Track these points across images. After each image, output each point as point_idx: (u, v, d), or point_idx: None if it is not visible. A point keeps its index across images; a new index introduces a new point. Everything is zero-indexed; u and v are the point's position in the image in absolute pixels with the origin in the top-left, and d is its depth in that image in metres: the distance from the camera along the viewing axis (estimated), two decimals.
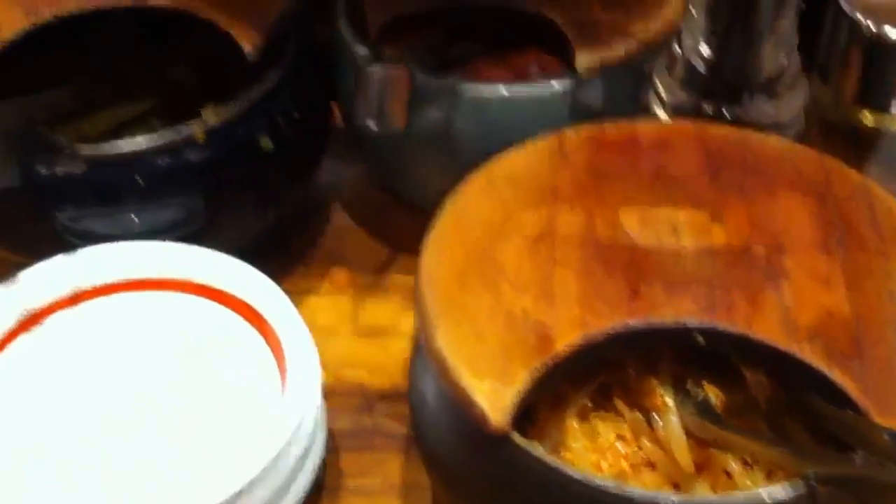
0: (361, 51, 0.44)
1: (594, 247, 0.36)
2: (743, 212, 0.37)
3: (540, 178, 0.38)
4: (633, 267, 0.36)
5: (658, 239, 0.36)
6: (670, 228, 0.37)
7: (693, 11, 0.46)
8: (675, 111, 0.47)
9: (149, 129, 0.47)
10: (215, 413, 0.39)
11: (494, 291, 0.35)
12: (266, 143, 0.44)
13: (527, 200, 0.37)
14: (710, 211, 0.37)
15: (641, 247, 0.36)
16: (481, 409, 0.32)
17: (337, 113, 0.50)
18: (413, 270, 0.49)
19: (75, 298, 0.41)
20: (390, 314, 0.48)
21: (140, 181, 0.42)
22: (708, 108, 0.45)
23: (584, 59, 0.43)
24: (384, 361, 0.47)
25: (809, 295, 0.35)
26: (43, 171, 0.41)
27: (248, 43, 0.43)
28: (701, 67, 0.45)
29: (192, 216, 0.44)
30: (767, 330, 0.34)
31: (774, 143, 0.40)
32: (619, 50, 0.44)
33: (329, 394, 0.42)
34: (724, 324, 0.35)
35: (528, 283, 0.35)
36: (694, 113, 0.46)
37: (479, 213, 0.37)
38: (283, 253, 0.50)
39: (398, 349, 0.47)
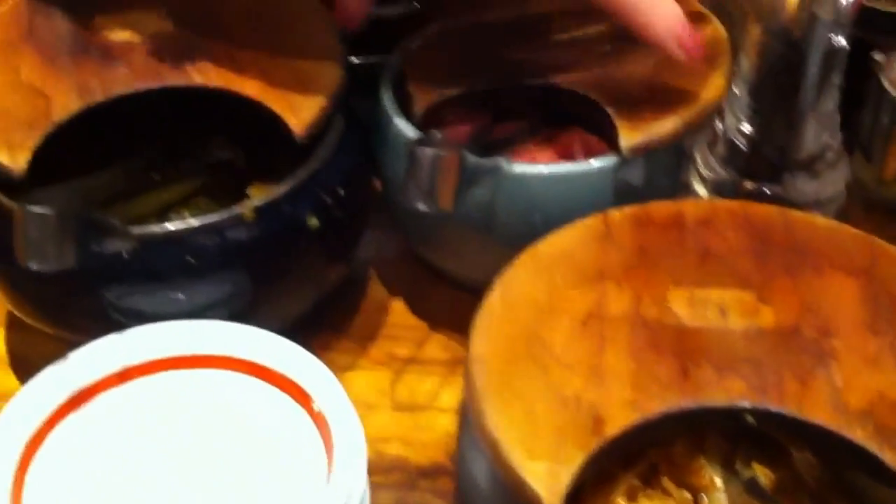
0: (411, 133, 0.45)
1: (643, 327, 0.36)
2: (790, 292, 0.37)
3: (587, 258, 0.39)
4: (682, 347, 0.36)
5: (706, 319, 0.37)
6: (718, 309, 0.37)
7: (735, 90, 0.46)
8: (716, 189, 0.47)
9: (196, 208, 0.48)
10: (261, 491, 0.39)
11: (544, 371, 0.35)
12: (312, 221, 0.45)
13: (574, 281, 0.38)
14: (758, 291, 0.37)
15: (690, 327, 0.36)
16: (536, 492, 0.32)
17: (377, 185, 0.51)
18: (452, 346, 0.49)
19: (123, 376, 0.42)
20: (430, 389, 0.48)
21: (189, 260, 0.43)
22: (749, 187, 0.46)
23: (628, 139, 0.44)
24: (425, 437, 0.47)
25: (859, 375, 0.35)
26: (95, 251, 0.41)
27: (297, 125, 0.44)
28: (742, 145, 0.46)
29: (238, 294, 0.44)
30: (817, 410, 0.35)
31: (820, 223, 0.40)
32: (662, 129, 0.44)
33: (370, 470, 0.42)
34: (774, 404, 0.35)
35: (578, 363, 0.35)
36: (735, 191, 0.47)
37: (527, 293, 0.38)
38: (322, 327, 0.50)
39: (438, 424, 0.47)
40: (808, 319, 0.37)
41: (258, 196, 0.45)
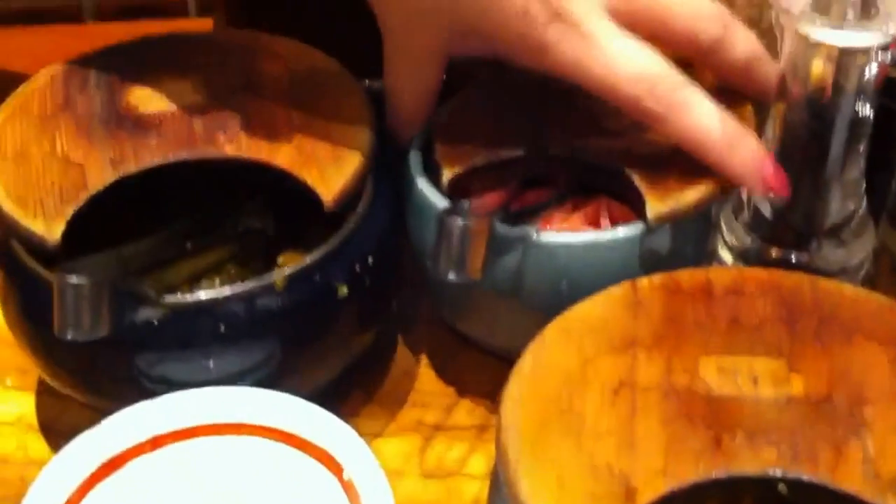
0: (440, 202, 0.46)
1: (674, 396, 0.36)
2: (821, 361, 0.37)
3: (616, 327, 0.39)
4: (714, 416, 0.36)
5: (738, 388, 0.37)
6: (749, 378, 0.37)
7: None
8: (742, 256, 0.48)
9: (226, 276, 0.49)
10: None
11: (576, 440, 0.35)
12: (342, 289, 0.45)
13: (605, 349, 0.38)
14: (788, 360, 0.37)
15: (721, 395, 0.36)
16: None
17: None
18: (480, 412, 0.49)
19: (155, 443, 0.42)
20: (458, 456, 0.48)
21: (220, 328, 0.43)
22: (775, 254, 0.46)
23: (655, 209, 0.44)
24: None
25: (892, 444, 0.35)
26: (129, 320, 0.42)
27: (328, 195, 0.45)
28: (768, 213, 0.46)
29: (268, 362, 0.45)
30: (850, 479, 0.35)
31: (848, 291, 0.40)
32: (689, 199, 0.45)
33: None
34: (807, 473, 0.35)
35: (609, 432, 0.35)
36: (761, 258, 0.47)
37: (557, 361, 0.38)
38: (350, 393, 0.50)
39: (468, 491, 0.47)
40: (840, 388, 0.37)
41: (289, 264, 0.46)
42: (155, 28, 0.53)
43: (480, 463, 0.48)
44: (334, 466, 0.41)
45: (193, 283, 0.48)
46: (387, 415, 0.50)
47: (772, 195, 0.44)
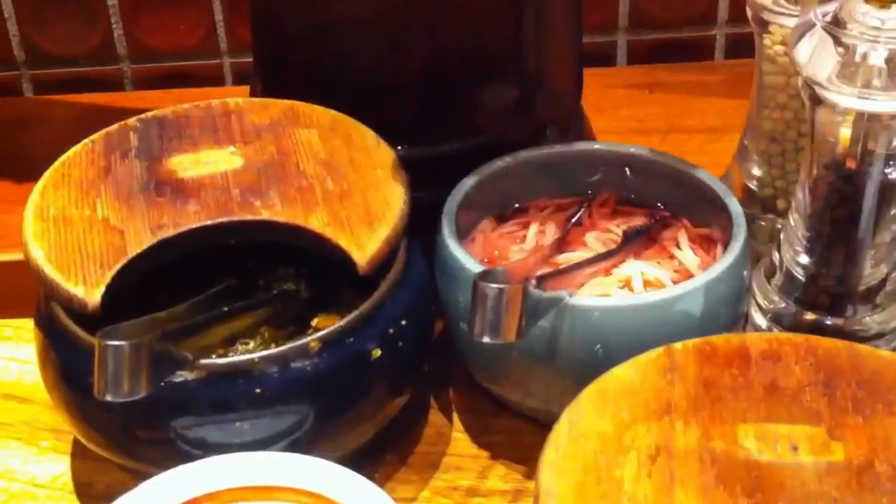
0: (475, 267, 0.46)
1: (712, 463, 0.36)
2: (861, 428, 0.37)
3: (652, 392, 0.39)
4: (754, 484, 0.36)
5: (777, 455, 0.36)
6: (788, 444, 0.37)
7: (792, 220, 0.47)
8: (776, 319, 0.48)
9: (261, 338, 0.49)
10: None
11: None
12: (376, 352, 0.45)
13: (641, 415, 0.38)
14: (827, 426, 0.37)
15: (760, 462, 0.36)
16: None
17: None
18: (514, 477, 0.49)
19: None
20: None
21: (256, 391, 0.43)
22: (809, 318, 0.46)
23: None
24: None
25: None
26: (166, 383, 0.42)
27: (362, 259, 0.45)
28: (800, 276, 0.46)
29: (302, 424, 0.45)
30: None
31: (886, 356, 0.40)
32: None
33: None
34: None
35: (648, 501, 0.35)
36: (794, 321, 0.47)
37: (594, 427, 0.38)
38: (383, 456, 0.50)
39: None
40: (881, 455, 0.36)
41: (323, 327, 0.46)
42: (192, 96, 0.54)
43: None
44: None
45: (228, 345, 0.49)
46: (420, 479, 0.49)
47: None
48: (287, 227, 0.47)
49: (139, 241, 0.46)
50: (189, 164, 0.49)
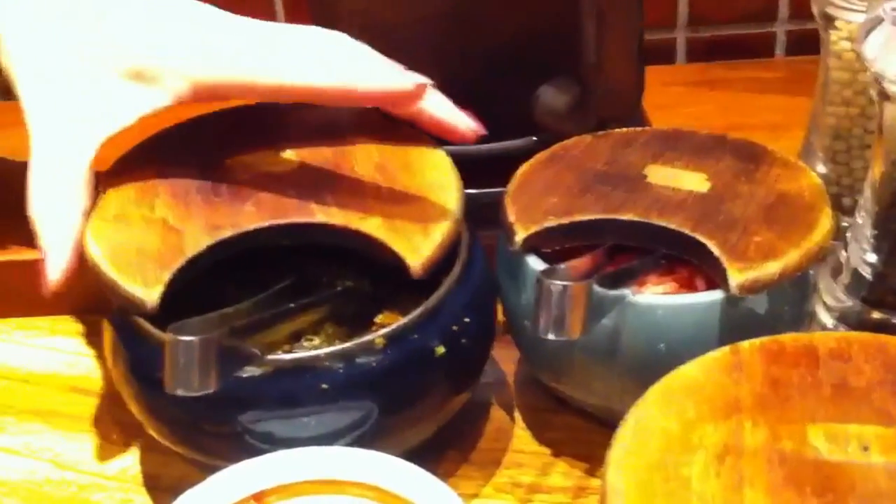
0: (538, 265, 0.46)
1: (781, 463, 0.36)
2: None
3: (719, 391, 0.39)
4: (824, 484, 0.35)
5: (847, 455, 0.36)
6: (859, 445, 0.36)
7: (859, 218, 0.47)
8: (842, 318, 0.47)
9: (324, 335, 0.50)
10: None
11: None
12: (439, 348, 0.46)
13: (707, 414, 0.38)
14: None
15: (830, 463, 0.36)
16: None
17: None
18: (576, 474, 0.49)
19: (259, 499, 0.43)
20: None
21: (321, 386, 0.44)
22: (876, 317, 0.46)
23: (737, 280, 0.44)
24: None
25: None
26: (234, 378, 0.43)
27: (416, 263, 0.45)
28: (867, 275, 0.46)
29: (366, 420, 0.45)
30: None
31: None
32: (770, 270, 0.44)
33: None
34: None
35: (716, 500, 0.35)
36: (861, 320, 0.46)
37: (660, 425, 0.38)
38: (445, 452, 0.51)
39: None
40: None
41: (387, 324, 0.47)
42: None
43: None
44: None
45: (293, 342, 0.49)
46: (482, 475, 0.50)
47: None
48: (341, 231, 0.47)
49: (196, 241, 0.46)
50: (246, 165, 0.50)
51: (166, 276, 0.45)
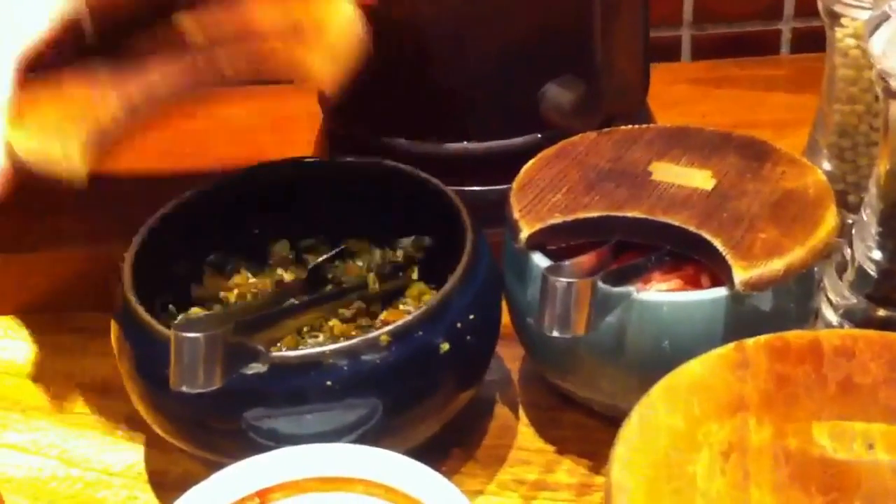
0: (543, 262, 0.46)
1: (787, 460, 0.36)
2: None
3: (724, 388, 0.39)
4: (829, 482, 0.35)
5: (852, 453, 0.36)
6: (864, 442, 0.36)
7: (864, 216, 0.47)
8: (847, 315, 0.47)
9: (329, 332, 0.50)
10: None
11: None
12: (444, 345, 0.46)
13: (713, 411, 0.38)
14: None
15: (836, 461, 0.36)
16: None
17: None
18: (580, 471, 0.49)
19: (263, 496, 0.43)
20: None
21: (326, 383, 0.44)
22: (882, 314, 0.46)
23: (742, 277, 0.44)
24: None
25: None
26: (239, 375, 0.43)
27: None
28: (873, 272, 0.46)
29: (371, 417, 0.45)
30: None
31: None
32: (775, 267, 0.44)
33: None
34: None
35: (721, 497, 0.35)
36: (866, 318, 0.46)
37: (665, 422, 0.38)
38: (449, 449, 0.51)
39: None
40: None
41: (391, 321, 0.47)
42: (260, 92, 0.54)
43: None
44: None
45: (298, 339, 0.49)
46: (486, 473, 0.50)
47: None
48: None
49: (109, 111, 0.46)
50: (149, 39, 0.49)
51: (85, 140, 0.45)
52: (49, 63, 0.51)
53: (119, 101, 0.47)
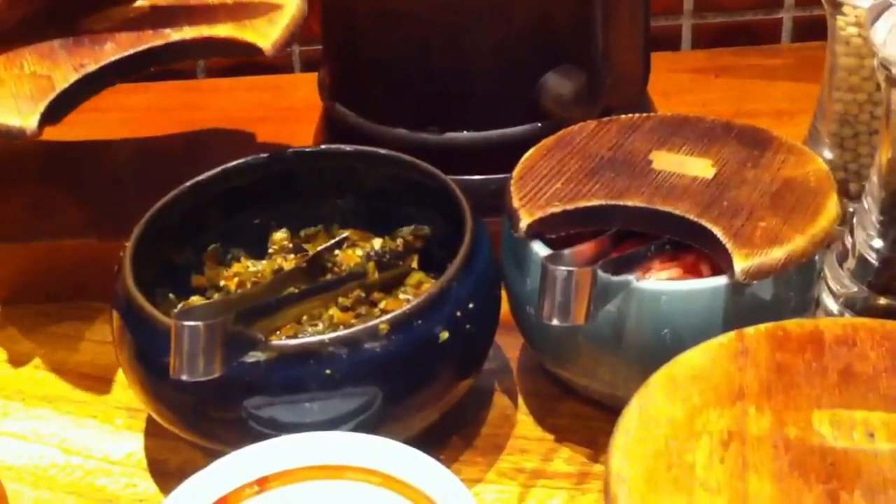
0: (542, 251, 0.46)
1: (786, 449, 0.36)
2: None
3: (723, 377, 0.39)
4: (828, 470, 0.35)
5: (853, 442, 0.36)
6: (864, 431, 0.36)
7: (865, 204, 0.47)
8: (847, 304, 0.47)
9: (328, 320, 0.50)
10: None
11: (688, 494, 0.35)
12: (443, 334, 0.46)
13: (712, 400, 0.38)
14: None
15: (835, 449, 0.36)
16: None
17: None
18: (579, 459, 0.49)
19: (262, 484, 0.43)
20: None
21: (325, 372, 0.44)
22: (882, 303, 0.46)
23: (742, 265, 0.44)
24: None
25: None
26: (238, 363, 0.43)
27: (266, 44, 0.51)
28: (874, 261, 0.46)
29: (370, 405, 0.45)
30: None
31: None
32: (776, 256, 0.44)
33: None
34: None
35: (720, 486, 0.35)
36: (867, 306, 0.46)
37: (664, 411, 0.38)
38: (448, 438, 0.51)
39: None
40: None
41: (391, 310, 0.47)
42: (262, 84, 0.56)
43: None
44: None
45: (298, 327, 0.49)
46: (485, 461, 0.50)
47: None
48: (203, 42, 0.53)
49: (66, 78, 0.51)
50: (102, 19, 0.54)
51: (41, 107, 0.49)
52: (4, 34, 0.52)
53: (74, 70, 0.49)
